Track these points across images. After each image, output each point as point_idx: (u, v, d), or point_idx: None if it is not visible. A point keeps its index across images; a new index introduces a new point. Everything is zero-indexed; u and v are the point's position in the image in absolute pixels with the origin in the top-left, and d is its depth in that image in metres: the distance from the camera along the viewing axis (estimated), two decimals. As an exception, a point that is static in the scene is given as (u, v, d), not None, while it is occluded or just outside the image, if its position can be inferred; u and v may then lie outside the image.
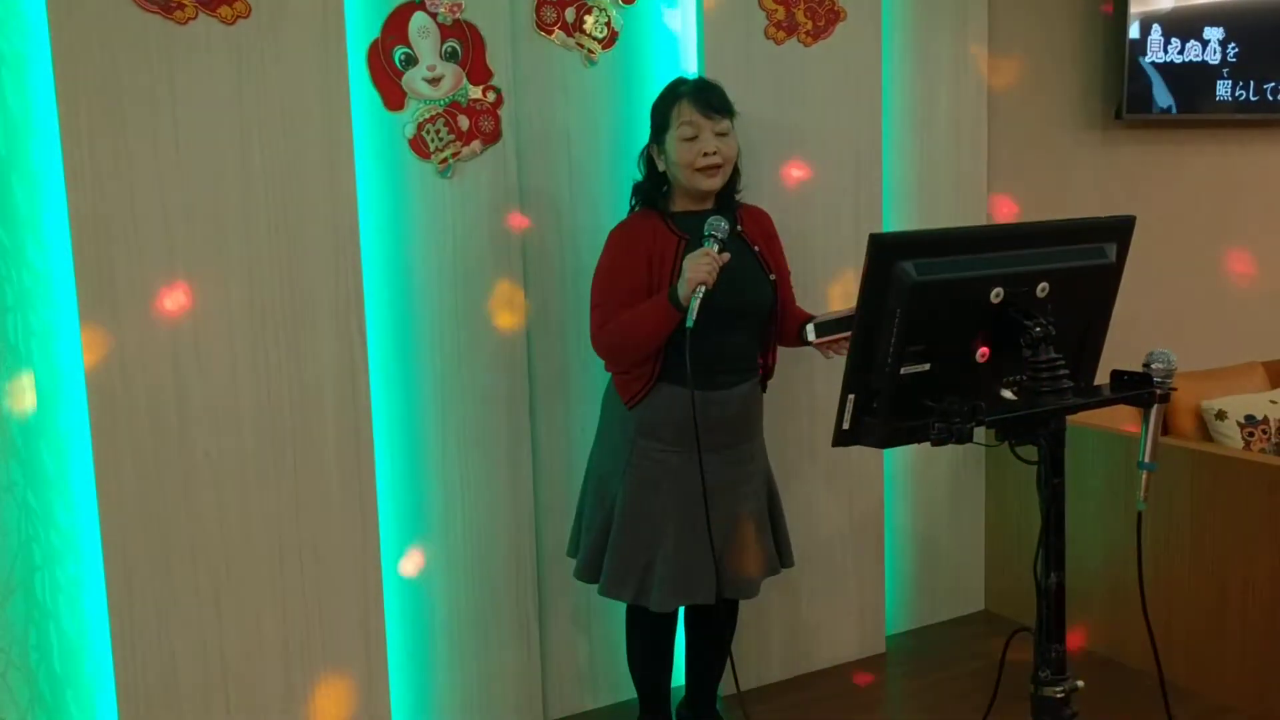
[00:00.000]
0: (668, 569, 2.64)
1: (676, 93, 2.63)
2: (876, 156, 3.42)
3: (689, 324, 2.42)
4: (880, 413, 1.81)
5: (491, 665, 3.04)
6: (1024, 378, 1.85)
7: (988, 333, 1.86)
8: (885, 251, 1.74)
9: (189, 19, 2.42)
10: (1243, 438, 4.00)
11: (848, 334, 2.55)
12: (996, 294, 1.83)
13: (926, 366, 1.82)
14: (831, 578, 3.50)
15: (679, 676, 3.03)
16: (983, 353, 1.86)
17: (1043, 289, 1.88)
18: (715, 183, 2.62)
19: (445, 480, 2.93)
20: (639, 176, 2.72)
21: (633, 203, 2.72)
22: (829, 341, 2.62)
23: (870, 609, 3.60)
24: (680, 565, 2.65)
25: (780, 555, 2.85)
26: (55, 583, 2.52)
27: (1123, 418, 3.56)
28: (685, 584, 2.66)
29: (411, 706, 2.96)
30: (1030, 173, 3.98)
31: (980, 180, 3.76)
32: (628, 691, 3.10)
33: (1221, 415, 4.02)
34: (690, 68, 3.10)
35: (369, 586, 2.75)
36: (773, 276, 2.72)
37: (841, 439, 1.84)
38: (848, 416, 1.82)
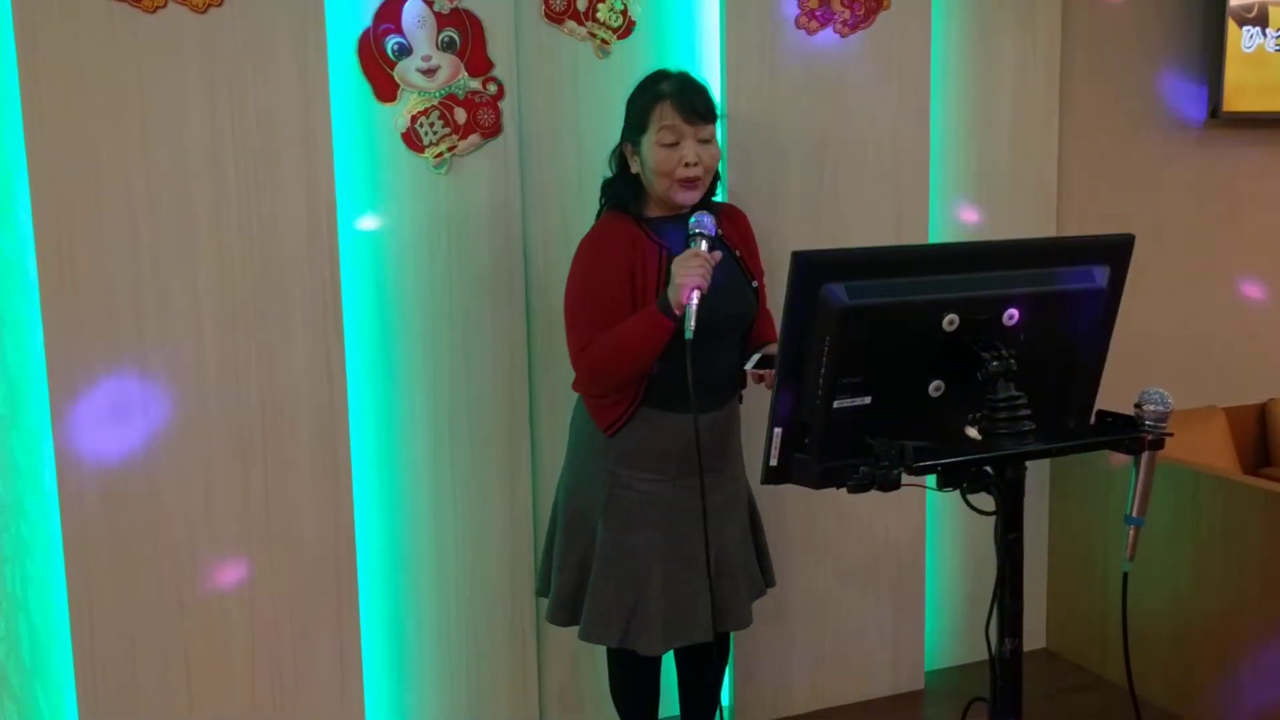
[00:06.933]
0: (657, 608, 2.44)
1: (658, 91, 2.38)
2: (924, 162, 3.16)
3: (688, 334, 2.19)
4: (813, 450, 1.62)
5: (484, 682, 2.92)
6: (979, 416, 1.64)
7: (943, 364, 1.65)
8: (810, 272, 1.54)
9: (158, 6, 2.36)
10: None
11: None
12: (950, 321, 1.62)
13: (868, 400, 1.63)
14: (864, 604, 3.27)
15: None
16: (936, 386, 1.65)
17: (1010, 316, 1.66)
18: (692, 197, 2.38)
19: (437, 491, 2.83)
20: (610, 173, 2.50)
21: (602, 201, 2.51)
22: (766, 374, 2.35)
23: (907, 640, 3.36)
24: (671, 603, 2.45)
25: (764, 574, 2.64)
26: (25, 575, 2.51)
27: (1188, 449, 3.24)
28: (678, 624, 2.46)
29: None
30: (1110, 180, 3.65)
31: (1050, 189, 3.45)
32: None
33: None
34: (713, 59, 2.92)
35: (342, 595, 2.66)
36: (755, 284, 2.50)
37: (770, 476, 1.66)
38: (774, 453, 1.64)
